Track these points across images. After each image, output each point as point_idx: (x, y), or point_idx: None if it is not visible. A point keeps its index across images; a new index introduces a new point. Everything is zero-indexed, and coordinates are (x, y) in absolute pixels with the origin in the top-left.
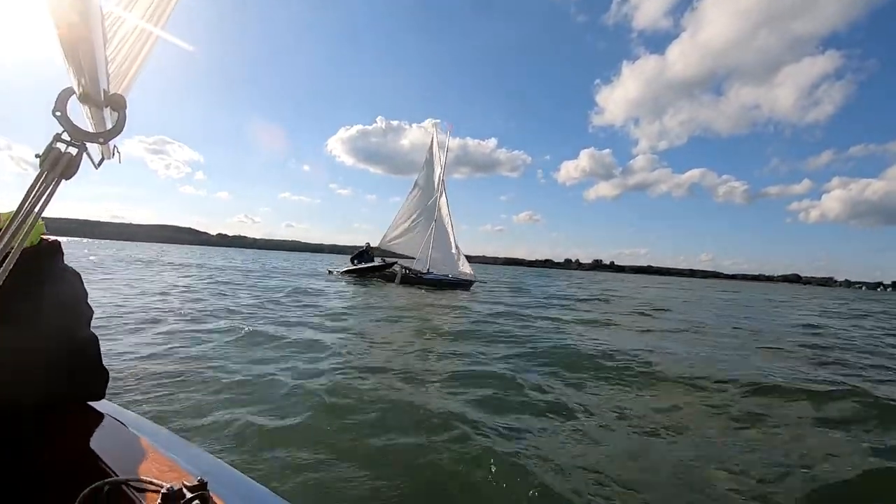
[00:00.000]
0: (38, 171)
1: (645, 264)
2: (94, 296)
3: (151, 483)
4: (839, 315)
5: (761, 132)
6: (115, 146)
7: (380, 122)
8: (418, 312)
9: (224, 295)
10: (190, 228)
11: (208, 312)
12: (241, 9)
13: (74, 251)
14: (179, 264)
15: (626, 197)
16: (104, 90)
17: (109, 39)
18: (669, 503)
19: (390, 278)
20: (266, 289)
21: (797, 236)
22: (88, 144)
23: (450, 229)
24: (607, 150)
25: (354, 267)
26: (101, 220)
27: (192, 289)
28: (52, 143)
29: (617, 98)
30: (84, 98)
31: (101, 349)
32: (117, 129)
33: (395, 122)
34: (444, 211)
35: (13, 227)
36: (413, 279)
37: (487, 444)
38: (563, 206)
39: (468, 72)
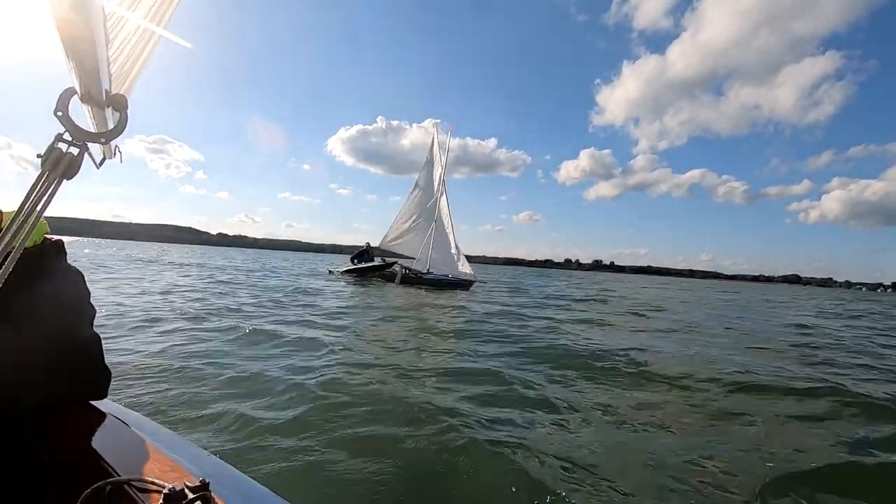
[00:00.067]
0: (40, 170)
1: (645, 264)
2: (96, 295)
3: (153, 483)
4: (835, 316)
5: (761, 132)
6: (116, 146)
7: (380, 122)
8: (416, 312)
9: (224, 294)
10: (190, 228)
11: (209, 311)
12: (242, 8)
13: (74, 251)
14: (180, 264)
15: (626, 197)
16: (106, 90)
17: (111, 40)
18: (643, 492)
19: (390, 278)
20: (266, 288)
21: (797, 237)
22: (90, 144)
23: (450, 229)
24: (607, 150)
25: (354, 267)
26: (102, 219)
27: (192, 288)
28: (53, 143)
29: (617, 98)
30: (86, 98)
31: (103, 348)
32: (119, 129)
33: (395, 122)
34: (445, 211)
35: (14, 227)
36: (413, 279)
37: (474, 435)
38: (563, 206)
39: (468, 72)
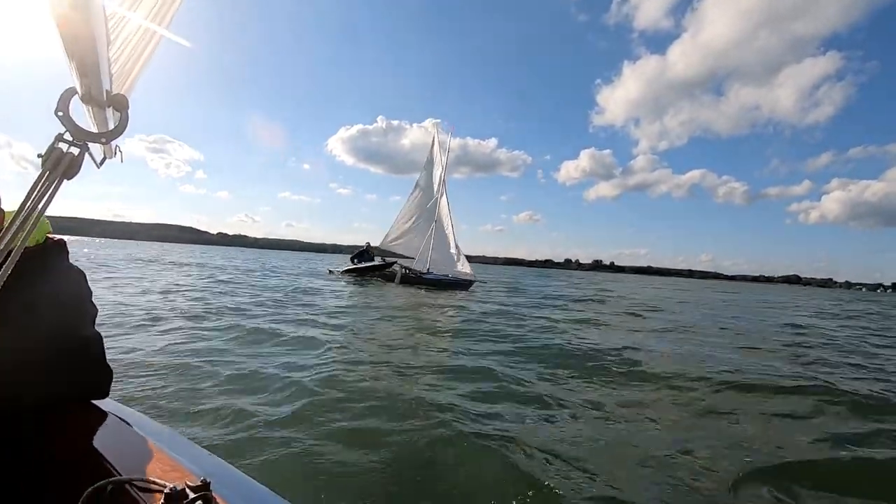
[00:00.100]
0: (41, 170)
1: (645, 265)
2: (97, 294)
3: (155, 483)
4: (832, 316)
5: (761, 133)
6: (117, 146)
7: (380, 122)
8: (415, 312)
9: (224, 294)
10: (191, 228)
11: (209, 311)
12: (242, 7)
13: (74, 250)
14: (180, 263)
15: (626, 197)
16: (107, 90)
17: (112, 40)
18: (625, 483)
19: (390, 278)
20: (266, 288)
21: (797, 237)
22: (91, 144)
23: (450, 229)
24: (608, 151)
25: (354, 266)
26: (102, 218)
27: (193, 287)
28: (54, 142)
29: (617, 98)
30: (86, 98)
31: (105, 347)
32: (119, 129)
33: (395, 122)
34: (445, 211)
35: (15, 226)
36: (413, 279)
37: (464, 429)
38: (563, 207)
39: (469, 71)
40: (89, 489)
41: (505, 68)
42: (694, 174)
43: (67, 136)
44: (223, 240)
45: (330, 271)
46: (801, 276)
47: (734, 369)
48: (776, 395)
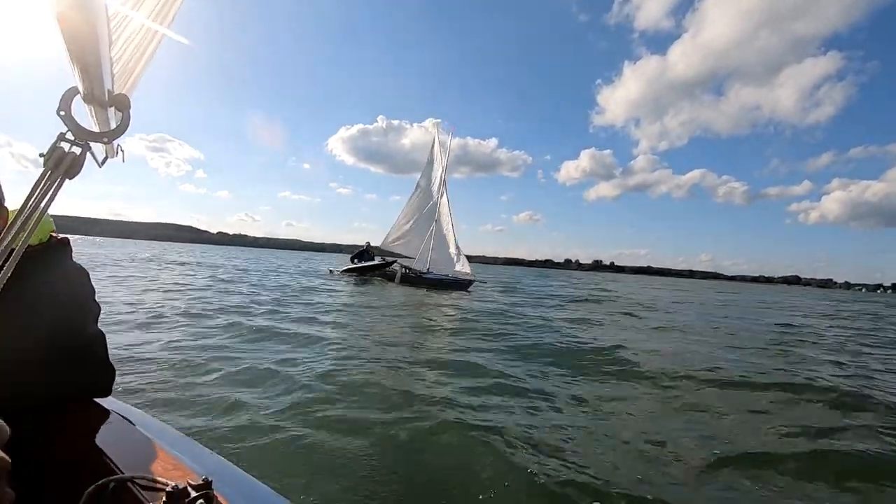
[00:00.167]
0: (43, 169)
1: (645, 265)
2: (99, 293)
3: (156, 481)
4: (826, 317)
5: (762, 133)
6: (118, 145)
7: (381, 122)
8: (413, 310)
9: (225, 293)
10: (190, 227)
11: (210, 309)
12: (242, 7)
13: (75, 250)
14: (181, 262)
15: (626, 197)
16: (108, 90)
17: (114, 40)
18: (600, 468)
19: (390, 277)
20: (266, 287)
21: (797, 237)
22: (92, 143)
23: (450, 229)
24: (608, 151)
25: (355, 266)
26: (102, 217)
27: (193, 286)
28: (56, 142)
29: (618, 98)
30: (88, 98)
31: (108, 346)
32: (121, 128)
33: (395, 122)
34: (445, 211)
35: (17, 225)
36: (413, 279)
37: (455, 420)
38: (563, 207)
39: (469, 71)
40: (92, 487)
41: (505, 68)
42: (694, 174)
43: (69, 136)
44: (223, 239)
45: (330, 271)
46: (801, 276)
47: (716, 366)
48: (753, 390)
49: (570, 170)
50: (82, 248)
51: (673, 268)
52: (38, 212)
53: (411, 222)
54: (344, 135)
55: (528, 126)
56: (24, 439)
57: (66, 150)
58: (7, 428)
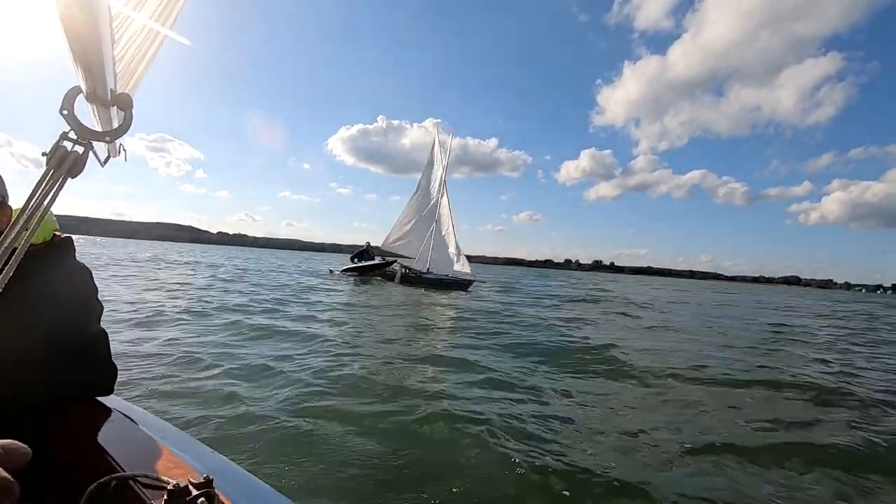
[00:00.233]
0: (45, 168)
1: (645, 265)
2: (101, 292)
3: (158, 479)
4: (821, 316)
5: (762, 133)
6: (121, 145)
7: (380, 122)
8: (412, 310)
9: (225, 292)
10: (191, 227)
11: (210, 308)
12: (242, 7)
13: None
14: (182, 262)
15: (626, 197)
16: (111, 89)
17: (117, 39)
18: (578, 454)
19: (390, 277)
20: (266, 286)
21: (797, 238)
22: (95, 142)
23: (450, 230)
24: (608, 151)
25: (354, 265)
26: (102, 217)
27: (194, 286)
28: (58, 141)
29: (618, 98)
30: (91, 97)
31: (110, 345)
32: (124, 127)
33: (395, 122)
34: (445, 211)
35: (20, 224)
36: (412, 278)
37: (448, 412)
38: (563, 207)
39: (469, 71)
40: (93, 485)
41: (505, 68)
42: (694, 175)
43: (72, 135)
44: (223, 239)
45: (330, 271)
46: (801, 277)
47: (702, 364)
48: (735, 387)
49: (570, 170)
50: (84, 248)
51: (673, 268)
52: (41, 210)
53: (412, 223)
54: (344, 135)
55: (528, 126)
56: (26, 438)
57: (69, 149)
58: (16, 486)
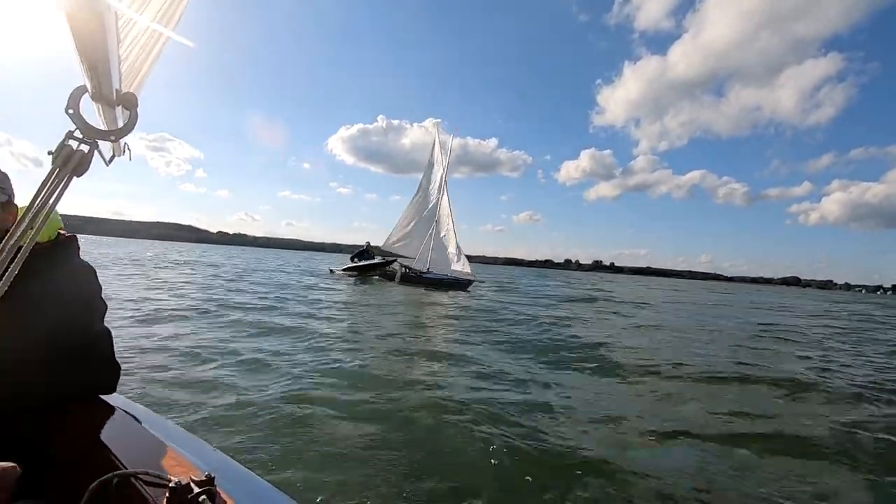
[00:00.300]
0: (51, 167)
1: (644, 265)
2: (105, 290)
3: (160, 477)
4: (814, 317)
5: (762, 134)
6: (125, 144)
7: (380, 122)
8: (410, 309)
9: (226, 290)
10: (191, 226)
11: (211, 307)
12: (242, 7)
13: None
14: (182, 262)
15: (626, 197)
16: (116, 89)
17: (122, 38)
18: (559, 437)
19: (390, 277)
20: (267, 285)
21: (797, 238)
22: (100, 141)
23: (451, 230)
24: (608, 151)
25: (355, 265)
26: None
27: (194, 284)
28: (64, 140)
29: (618, 98)
30: (97, 96)
31: (114, 343)
32: (128, 126)
33: (395, 122)
34: (446, 211)
35: (25, 222)
36: (412, 278)
37: (440, 402)
38: (563, 207)
39: (469, 71)
40: (95, 482)
41: (505, 68)
42: (694, 175)
43: (77, 134)
44: (223, 238)
45: (331, 270)
46: (801, 277)
47: (686, 361)
48: (713, 381)
49: (570, 170)
50: (85, 248)
51: (673, 268)
52: (47, 209)
53: (412, 224)
54: (344, 134)
55: (528, 126)
56: (26, 438)
57: (75, 147)
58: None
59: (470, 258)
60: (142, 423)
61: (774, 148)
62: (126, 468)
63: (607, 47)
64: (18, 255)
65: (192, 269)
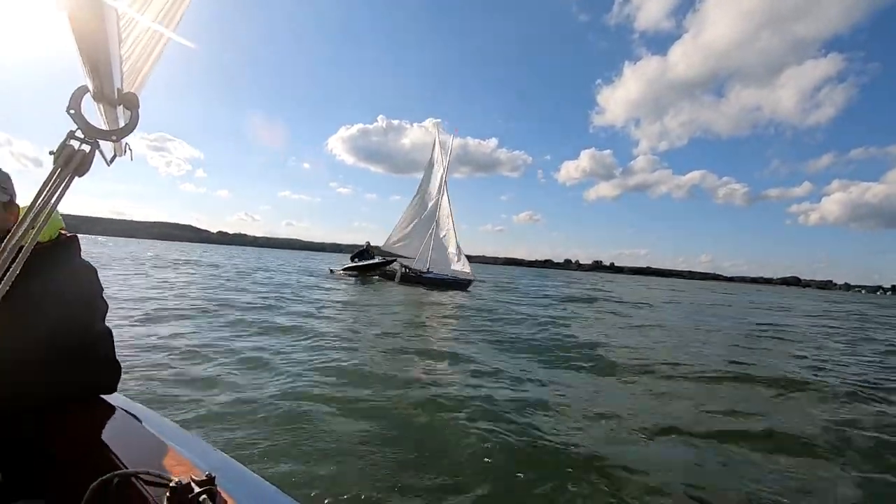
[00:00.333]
0: (53, 167)
1: (645, 265)
2: (105, 289)
3: (160, 476)
4: (812, 316)
5: (762, 134)
6: (126, 144)
7: (381, 121)
8: (409, 308)
9: (227, 290)
10: (191, 226)
11: (212, 306)
12: (242, 6)
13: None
14: (182, 261)
15: (626, 198)
16: (118, 89)
17: (124, 38)
18: (552, 431)
19: (390, 277)
20: (267, 285)
21: (797, 239)
22: (101, 142)
23: (451, 230)
24: (608, 151)
25: (355, 265)
26: (102, 216)
27: (195, 284)
28: (66, 139)
29: (618, 98)
30: (98, 96)
31: (115, 343)
32: (130, 126)
33: (395, 122)
34: (446, 211)
35: (27, 222)
36: (412, 278)
37: (437, 398)
38: (563, 207)
39: (469, 71)
40: (96, 482)
41: (505, 68)
42: (694, 175)
43: (79, 134)
44: (223, 238)
45: (331, 270)
46: (801, 277)
47: (680, 359)
48: (706, 379)
49: (570, 170)
50: (85, 247)
51: (673, 268)
52: (48, 209)
53: (412, 224)
54: (344, 134)
55: (528, 126)
56: (26, 438)
57: (76, 147)
58: None
59: (470, 258)
60: (142, 422)
61: (774, 148)
62: (126, 468)
63: (607, 47)
64: (20, 255)
65: (193, 268)
